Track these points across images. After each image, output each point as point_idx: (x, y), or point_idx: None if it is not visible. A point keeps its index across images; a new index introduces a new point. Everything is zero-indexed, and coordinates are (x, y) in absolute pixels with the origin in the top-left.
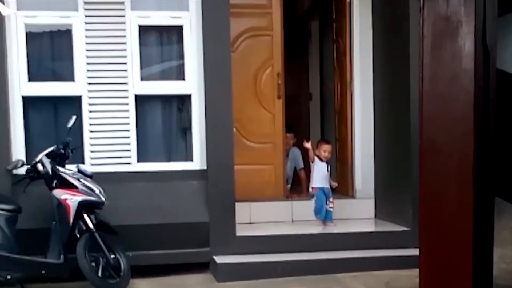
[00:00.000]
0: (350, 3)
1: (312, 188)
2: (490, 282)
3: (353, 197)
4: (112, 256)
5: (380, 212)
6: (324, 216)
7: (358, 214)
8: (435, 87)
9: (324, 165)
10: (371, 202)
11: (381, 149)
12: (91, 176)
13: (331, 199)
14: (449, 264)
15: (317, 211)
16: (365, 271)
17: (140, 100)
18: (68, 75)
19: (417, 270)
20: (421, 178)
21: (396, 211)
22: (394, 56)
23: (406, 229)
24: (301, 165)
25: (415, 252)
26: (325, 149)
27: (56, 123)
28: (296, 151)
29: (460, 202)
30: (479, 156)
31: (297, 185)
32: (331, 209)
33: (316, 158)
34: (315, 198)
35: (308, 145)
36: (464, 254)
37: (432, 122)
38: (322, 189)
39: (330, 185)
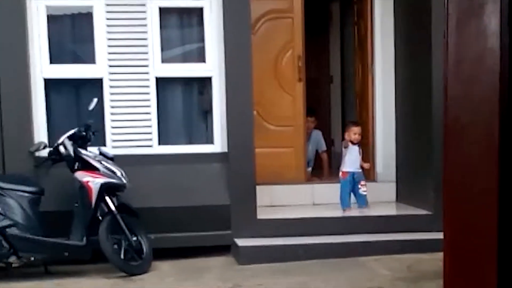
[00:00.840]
0: None
1: (342, 172)
2: None
3: (374, 180)
4: (134, 238)
5: (402, 196)
6: (358, 200)
7: (380, 197)
8: (460, 67)
9: (355, 148)
10: (393, 186)
11: (402, 132)
12: (112, 159)
13: (362, 183)
14: (474, 248)
15: (341, 200)
16: (387, 255)
17: (161, 82)
18: (89, 58)
19: (439, 253)
20: (445, 160)
21: (418, 194)
22: (416, 38)
23: (428, 213)
24: (324, 147)
25: (437, 236)
26: (355, 132)
27: (77, 105)
28: (318, 134)
29: (485, 185)
30: (504, 137)
31: (319, 168)
32: (365, 193)
33: (350, 144)
34: (340, 186)
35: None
36: (489, 238)
37: (457, 102)
38: (352, 174)
39: (362, 168)
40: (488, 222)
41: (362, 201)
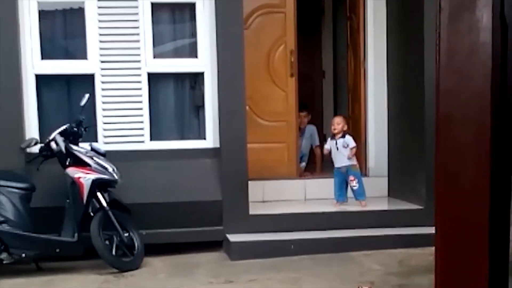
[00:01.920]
0: None
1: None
2: (507, 260)
3: (366, 175)
4: (126, 234)
5: (394, 190)
6: (355, 195)
7: (371, 192)
8: (452, 61)
9: (333, 143)
10: (385, 180)
11: (394, 127)
12: (104, 155)
13: (351, 178)
14: (466, 242)
15: (334, 193)
16: (378, 249)
17: (153, 78)
18: (81, 53)
19: (431, 248)
20: (437, 154)
21: (409, 189)
22: (408, 33)
23: (420, 207)
24: (317, 142)
25: (428, 230)
26: (332, 123)
27: (69, 101)
28: (312, 129)
29: (476, 179)
30: (496, 132)
31: (312, 163)
32: (354, 187)
33: (328, 139)
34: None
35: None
36: (481, 232)
37: (448, 96)
38: (338, 169)
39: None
40: (480, 217)
41: (356, 194)
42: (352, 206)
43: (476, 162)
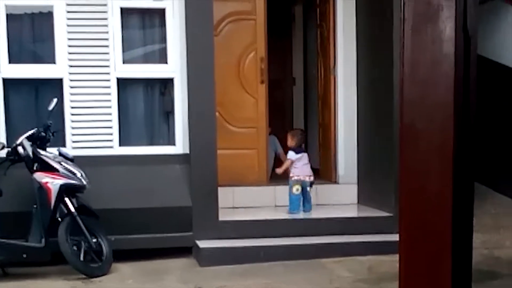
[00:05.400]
0: None
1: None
2: (469, 267)
3: (336, 182)
4: (94, 240)
5: (363, 198)
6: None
7: (341, 199)
8: (416, 72)
9: (300, 156)
10: (354, 188)
11: (364, 135)
12: (72, 160)
13: (310, 188)
14: (429, 249)
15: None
16: (348, 256)
17: (122, 83)
18: (49, 57)
19: None
20: (401, 162)
21: (378, 196)
22: (378, 41)
23: (389, 214)
24: (280, 149)
25: (398, 237)
26: (295, 135)
27: (37, 105)
28: (273, 138)
29: (439, 187)
30: (459, 141)
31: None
32: (311, 198)
33: (292, 152)
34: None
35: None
36: (444, 239)
37: (412, 106)
38: (305, 181)
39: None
40: (443, 225)
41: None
42: (322, 213)
43: (439, 170)
